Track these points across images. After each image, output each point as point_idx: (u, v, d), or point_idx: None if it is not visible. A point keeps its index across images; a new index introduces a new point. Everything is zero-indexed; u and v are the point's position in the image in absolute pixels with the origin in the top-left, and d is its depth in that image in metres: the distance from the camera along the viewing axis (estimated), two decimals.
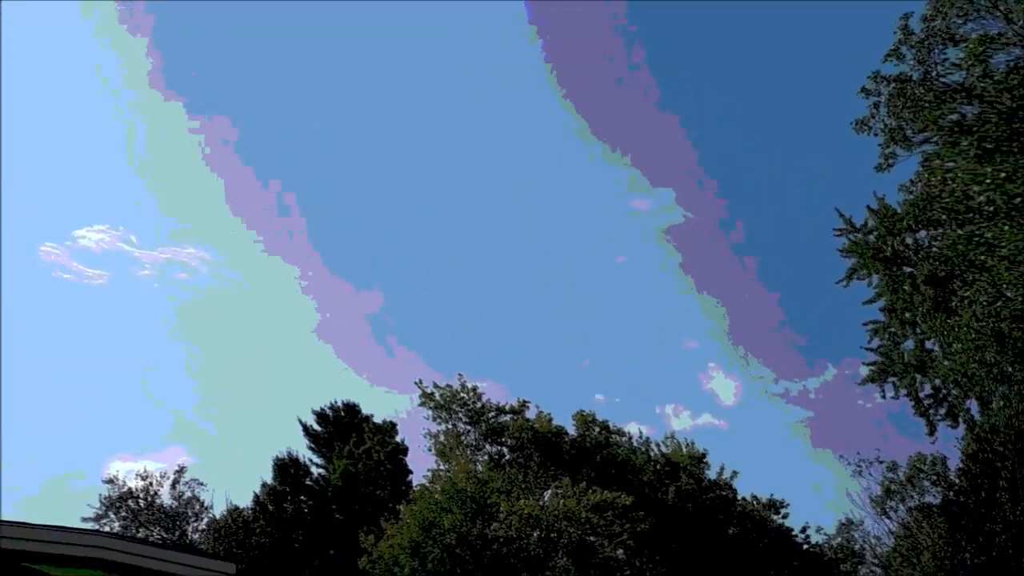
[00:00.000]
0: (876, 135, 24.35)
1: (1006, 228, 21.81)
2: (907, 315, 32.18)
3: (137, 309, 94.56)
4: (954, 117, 22.06)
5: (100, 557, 13.48)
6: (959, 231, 23.24)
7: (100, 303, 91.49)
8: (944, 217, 23.28)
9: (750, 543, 44.65)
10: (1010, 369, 26.27)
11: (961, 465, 30.68)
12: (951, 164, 22.35)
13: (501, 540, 39.47)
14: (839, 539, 46.49)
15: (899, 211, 30.73)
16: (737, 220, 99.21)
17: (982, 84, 21.24)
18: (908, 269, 31.78)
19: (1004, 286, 23.25)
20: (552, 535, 38.87)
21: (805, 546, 48.70)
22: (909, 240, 31.20)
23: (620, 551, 43.62)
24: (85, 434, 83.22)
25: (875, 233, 32.97)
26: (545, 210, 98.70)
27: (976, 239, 23.38)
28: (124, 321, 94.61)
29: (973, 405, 32.03)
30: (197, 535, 52.68)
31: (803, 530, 49.36)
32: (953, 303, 26.90)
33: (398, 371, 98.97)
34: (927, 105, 21.97)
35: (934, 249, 29.08)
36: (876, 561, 36.70)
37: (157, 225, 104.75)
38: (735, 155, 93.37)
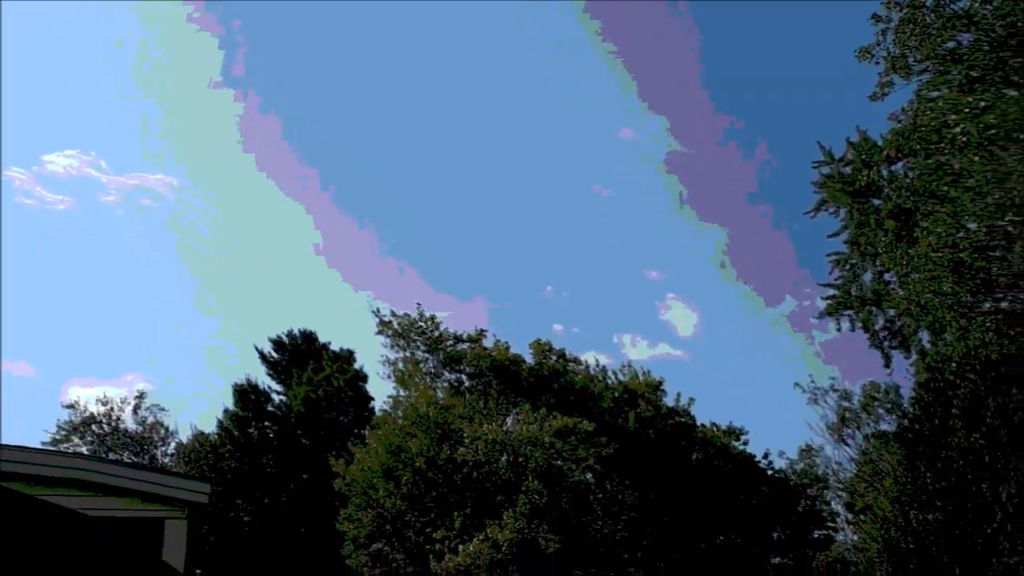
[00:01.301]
0: (877, 63, 23.90)
1: (976, 159, 21.71)
2: (869, 248, 32.33)
3: (99, 235, 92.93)
4: (950, 45, 21.70)
5: (76, 477, 13.23)
6: (929, 161, 23.11)
7: (61, 229, 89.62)
8: (919, 147, 23.06)
9: (716, 469, 45.12)
10: (968, 299, 26.36)
11: (913, 394, 30.88)
12: (936, 94, 22.10)
13: (471, 464, 40.03)
14: (801, 464, 47.26)
15: (880, 144, 30.62)
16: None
17: (983, 10, 20.85)
18: (877, 202, 31.82)
19: (967, 217, 23.23)
20: (520, 459, 39.14)
21: (769, 471, 49.53)
22: (885, 172, 31.12)
23: (589, 475, 44.23)
24: (43, 358, 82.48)
25: (852, 165, 32.93)
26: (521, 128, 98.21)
27: (944, 169, 23.30)
28: (84, 247, 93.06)
29: (924, 336, 32.68)
30: (167, 459, 52.45)
31: (765, 456, 50.20)
32: (916, 234, 26.93)
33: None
34: (934, 32, 21.55)
35: (907, 181, 28.99)
36: (840, 486, 37.28)
37: (130, 150, 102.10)
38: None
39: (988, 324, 26.34)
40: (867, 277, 34.22)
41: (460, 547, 36.53)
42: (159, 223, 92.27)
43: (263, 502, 49.05)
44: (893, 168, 30.81)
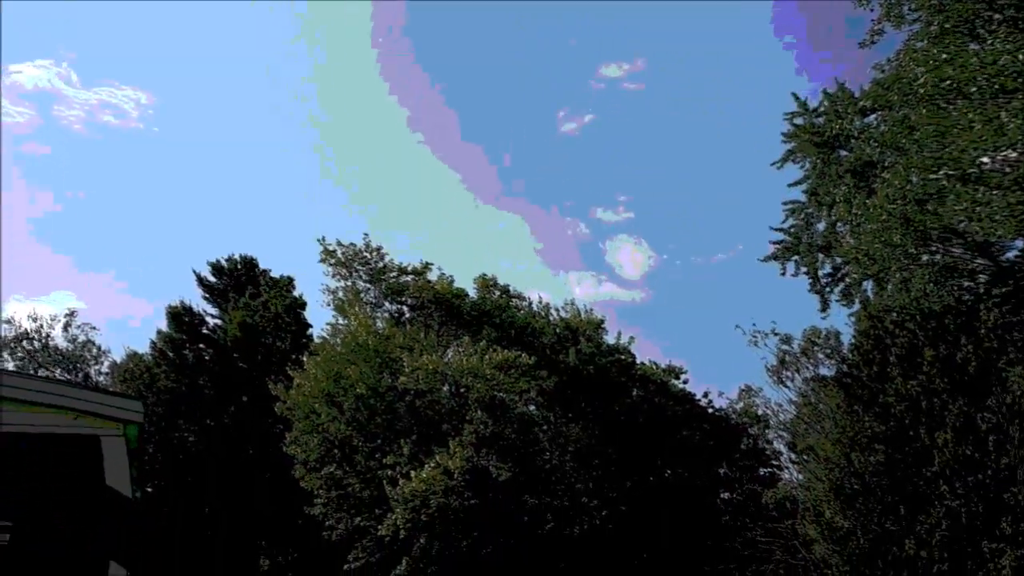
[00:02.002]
0: (873, 10, 23.51)
1: (923, 111, 21.59)
2: (826, 198, 32.49)
3: (56, 150, 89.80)
4: None
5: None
6: (897, 113, 23.01)
7: (17, 143, 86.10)
8: (895, 99, 22.85)
9: (657, 405, 45.23)
10: (913, 251, 26.51)
11: (853, 341, 31.02)
12: (920, 44, 21.83)
13: (412, 393, 39.79)
14: (741, 404, 47.63)
15: (857, 96, 30.52)
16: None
17: None
18: (844, 153, 31.89)
19: (912, 170, 23.22)
20: (462, 390, 39.00)
21: (710, 410, 49.92)
22: (857, 124, 31.06)
23: (532, 407, 44.22)
24: None
25: (824, 116, 32.93)
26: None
27: (906, 122, 23.16)
28: (37, 162, 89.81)
29: (868, 286, 33.02)
30: (101, 378, 51.35)
31: (705, 395, 50.50)
32: (874, 186, 26.96)
33: None
34: None
35: (877, 132, 28.96)
36: (781, 427, 37.63)
37: (101, 63, 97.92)
38: None
39: (928, 276, 26.61)
40: (820, 226, 34.55)
41: (413, 473, 36.32)
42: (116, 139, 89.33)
43: (204, 423, 48.46)
44: (866, 120, 30.77)
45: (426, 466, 36.13)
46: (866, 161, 29.73)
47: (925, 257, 27.35)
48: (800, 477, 36.83)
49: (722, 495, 44.21)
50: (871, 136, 29.49)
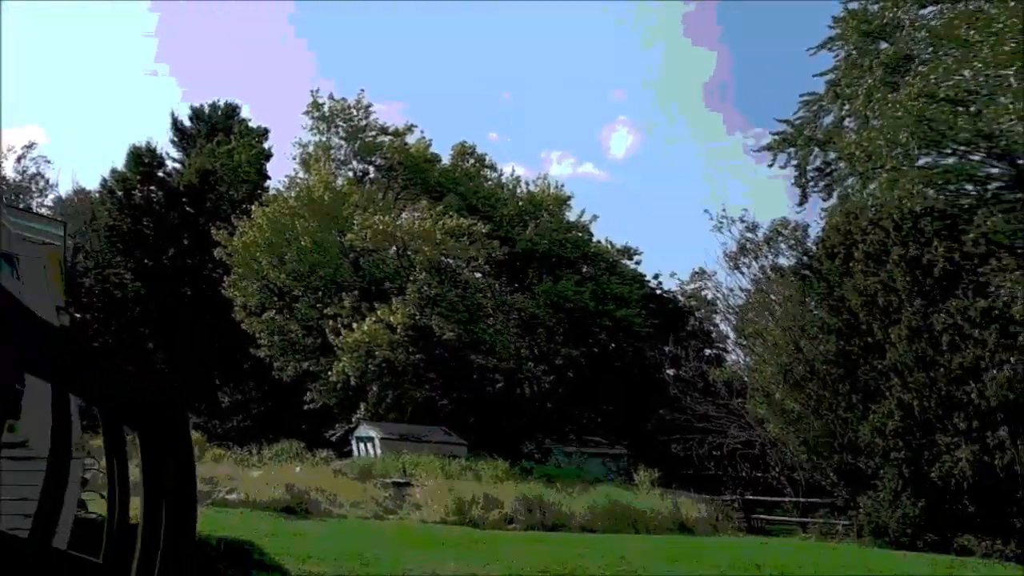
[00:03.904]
0: None
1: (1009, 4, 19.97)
2: (847, 91, 30.89)
3: None
4: None
5: None
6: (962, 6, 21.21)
7: None
8: None
9: (605, 283, 44.85)
10: (915, 151, 25.38)
11: (822, 234, 30.07)
12: None
13: (358, 250, 38.88)
14: (692, 286, 47.16)
15: None
16: None
17: None
18: (884, 45, 29.90)
19: (966, 64, 21.76)
20: (409, 252, 38.30)
21: (658, 292, 49.51)
22: (913, 12, 28.80)
23: (478, 275, 43.64)
24: None
25: (881, 3, 30.66)
26: None
27: (976, 15, 21.42)
28: None
29: (852, 183, 31.90)
30: (43, 211, 49.04)
31: (656, 276, 50.09)
32: (902, 81, 25.45)
33: None
34: None
35: (930, 23, 26.93)
36: (730, 311, 36.91)
37: None
38: None
39: (919, 178, 25.53)
40: (827, 120, 33.19)
41: (355, 325, 36.23)
42: None
43: (143, 263, 46.94)
44: (921, 12, 28.61)
45: (368, 319, 35.58)
46: (904, 55, 27.94)
47: (923, 160, 26.25)
48: (747, 360, 36.42)
49: (668, 371, 44.14)
50: (923, 26, 27.49)
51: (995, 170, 24.46)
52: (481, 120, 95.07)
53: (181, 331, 44.23)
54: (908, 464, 23.47)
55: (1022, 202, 23.91)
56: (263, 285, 40.06)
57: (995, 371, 21.50)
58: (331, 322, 37.02)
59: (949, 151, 24.16)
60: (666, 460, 35.46)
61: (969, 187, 25.21)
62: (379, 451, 32.74)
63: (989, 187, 25.07)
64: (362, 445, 34.75)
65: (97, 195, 48.58)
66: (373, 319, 35.44)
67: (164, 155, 51.89)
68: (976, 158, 24.12)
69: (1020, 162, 23.74)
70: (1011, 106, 20.34)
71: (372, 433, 34.39)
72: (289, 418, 41.10)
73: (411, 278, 37.00)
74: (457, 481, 25.51)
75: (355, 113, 43.96)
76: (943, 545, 21.92)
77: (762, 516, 29.23)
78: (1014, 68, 20.13)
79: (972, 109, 22.79)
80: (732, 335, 39.19)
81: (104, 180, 48.68)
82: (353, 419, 37.48)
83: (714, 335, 47.26)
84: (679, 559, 17.49)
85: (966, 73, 21.27)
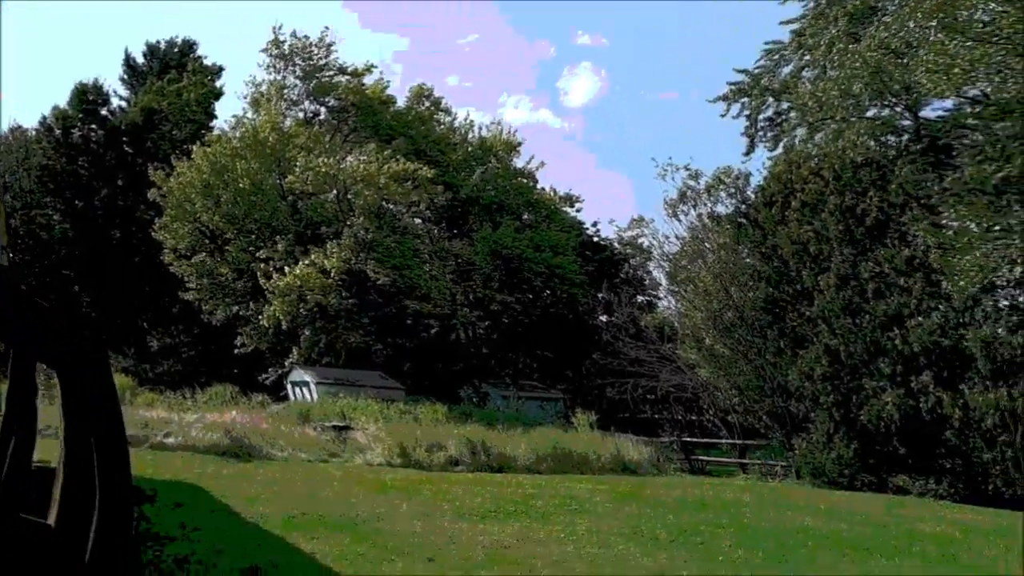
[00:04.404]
0: None
1: None
2: (811, 41, 30.88)
3: None
4: None
5: None
6: None
7: None
8: None
9: (543, 231, 44.61)
10: (865, 103, 25.49)
11: (762, 183, 30.19)
12: None
13: (297, 193, 37.96)
14: (630, 233, 47.26)
15: None
16: None
17: None
18: None
19: (912, 14, 21.64)
20: (349, 196, 37.51)
21: (596, 239, 49.58)
22: None
23: (418, 220, 43.07)
24: None
25: None
26: None
27: None
28: None
29: (800, 133, 32.11)
30: None
31: (595, 224, 50.17)
32: (862, 33, 25.46)
33: None
34: None
35: None
36: (664, 258, 36.96)
37: None
38: None
39: (864, 129, 25.70)
40: (786, 70, 33.20)
41: (287, 269, 35.44)
42: None
43: (75, 204, 45.11)
44: None
45: (301, 263, 34.88)
46: (870, 6, 27.92)
47: (871, 111, 26.44)
48: (678, 306, 36.72)
49: (601, 318, 44.33)
50: None
51: (907, 122, 24.88)
52: (445, 63, 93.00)
53: (110, 274, 42.86)
54: (837, 408, 23.94)
55: (921, 153, 24.36)
56: (195, 228, 38.87)
57: (920, 318, 21.86)
58: (263, 266, 36.17)
59: (888, 103, 24.41)
60: (602, 404, 35.72)
61: (892, 138, 25.61)
62: (315, 396, 32.23)
63: (902, 139, 25.51)
64: (297, 390, 34.18)
65: (33, 132, 46.14)
66: (307, 263, 34.72)
67: (111, 93, 49.78)
68: (899, 110, 24.48)
69: (921, 115, 24.22)
70: (925, 58, 20.35)
71: (307, 378, 33.82)
72: (221, 362, 40.29)
73: (349, 222, 36.22)
74: (397, 425, 25.18)
75: (315, 52, 42.68)
76: (880, 486, 22.53)
77: (702, 458, 29.67)
78: (936, 20, 20.14)
79: (904, 61, 22.93)
80: (665, 282, 39.53)
81: (43, 117, 46.36)
82: (286, 363, 36.79)
83: (647, 282, 47.60)
84: (629, 497, 17.52)
85: (910, 24, 21.29)
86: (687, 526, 13.45)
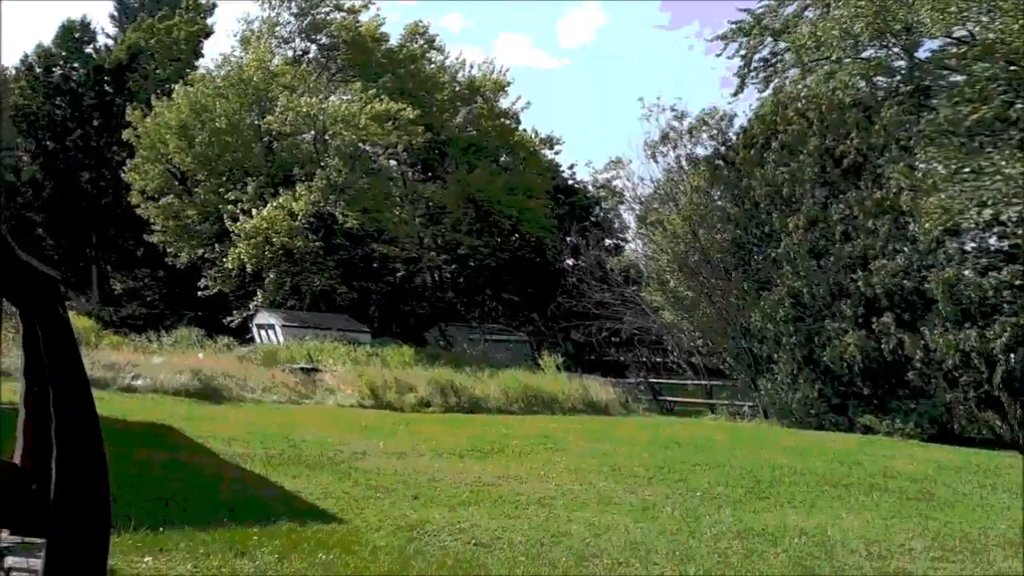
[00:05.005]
0: None
1: None
2: None
3: None
4: None
5: None
6: None
7: None
8: None
9: (518, 174, 43.93)
10: (863, 43, 25.00)
11: (746, 124, 29.66)
12: None
13: (275, 134, 37.11)
14: (605, 176, 46.70)
15: None
16: None
17: None
18: None
19: None
20: (326, 137, 36.73)
21: (570, 182, 49.13)
22: None
23: (393, 162, 42.35)
24: None
25: None
26: None
27: None
28: None
29: (792, 75, 31.62)
30: None
31: (571, 167, 49.68)
32: None
33: None
34: None
35: None
36: (637, 200, 36.70)
37: None
38: None
39: (857, 71, 25.26)
40: (789, 9, 32.56)
41: (255, 211, 34.74)
42: None
43: (46, 147, 43.63)
44: None
45: (269, 205, 34.25)
46: None
47: (868, 52, 26.01)
48: (645, 249, 36.65)
49: (568, 261, 44.10)
50: None
51: (902, 63, 24.57)
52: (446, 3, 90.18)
53: (77, 216, 41.79)
54: (800, 348, 24.06)
55: (910, 94, 24.10)
56: (165, 169, 37.89)
57: (884, 260, 21.89)
58: (231, 208, 35.34)
59: (887, 44, 24.03)
60: (567, 346, 35.76)
61: (884, 80, 25.27)
62: (281, 338, 31.86)
63: (894, 80, 25.21)
64: (263, 332, 33.77)
65: (12, 71, 44.32)
66: (275, 205, 34.08)
67: (99, 31, 48.08)
68: (896, 50, 24.14)
69: (916, 56, 23.88)
70: None
71: (273, 320, 33.41)
72: (186, 305, 39.64)
73: (322, 163, 35.52)
74: (365, 367, 25.00)
75: None
76: (847, 425, 22.79)
77: (669, 398, 29.80)
78: None
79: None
80: (634, 225, 39.33)
81: (24, 56, 44.56)
82: (251, 306, 36.29)
83: (616, 225, 47.41)
84: (601, 436, 17.56)
85: None
86: (663, 464, 13.46)
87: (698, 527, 8.57)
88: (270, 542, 6.71)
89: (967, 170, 17.68)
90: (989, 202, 17.56)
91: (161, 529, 6.77)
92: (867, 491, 11.27)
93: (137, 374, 20.79)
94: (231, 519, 7.31)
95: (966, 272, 19.10)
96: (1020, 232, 17.89)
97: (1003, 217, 18.40)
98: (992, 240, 19.03)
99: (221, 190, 36.85)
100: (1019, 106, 17.41)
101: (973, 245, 19.26)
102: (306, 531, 7.26)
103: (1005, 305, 18.68)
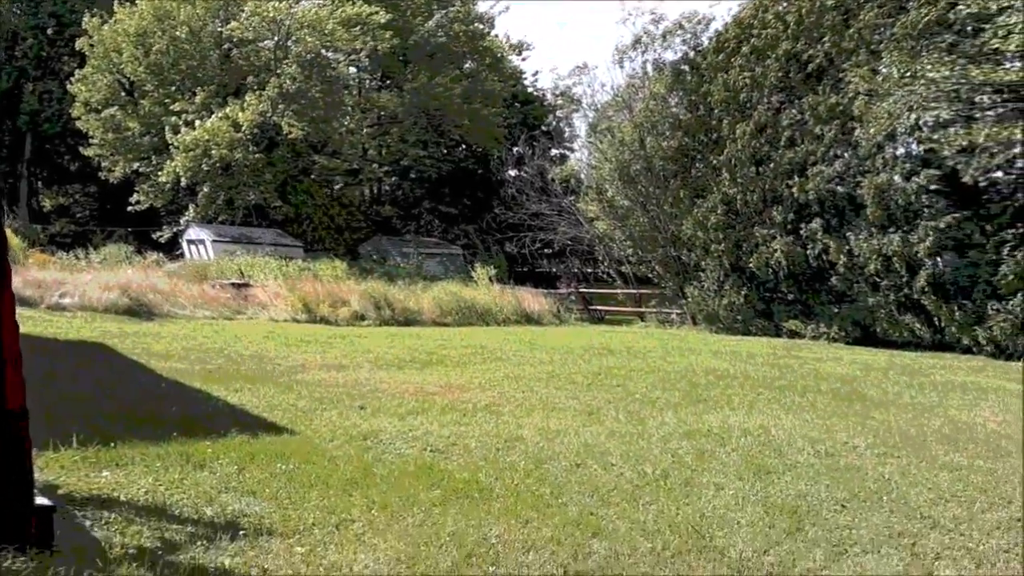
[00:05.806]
0: None
1: None
2: None
3: None
4: None
5: None
6: None
7: None
8: None
9: (480, 81, 42.50)
10: None
11: (721, 29, 28.48)
12: None
13: (235, 41, 35.42)
14: (567, 82, 45.68)
15: None
16: None
17: None
18: None
19: None
20: (288, 43, 35.13)
21: (531, 88, 48.00)
22: None
23: (353, 69, 40.82)
24: None
25: None
26: None
27: None
28: None
29: None
30: None
31: (535, 74, 48.60)
32: None
33: None
34: None
35: None
36: (592, 107, 35.90)
37: None
38: None
39: None
40: None
41: (198, 123, 33.39)
42: None
43: None
44: None
45: (213, 116, 33.03)
46: None
47: None
48: (590, 158, 36.22)
49: (510, 172, 43.62)
50: None
51: None
52: None
53: (14, 130, 39.78)
54: (728, 255, 24.24)
55: None
56: (114, 79, 36.30)
57: (822, 167, 21.61)
58: (174, 120, 34.11)
59: None
60: (501, 259, 35.62)
61: None
62: (211, 254, 31.11)
63: None
64: (193, 248, 32.91)
65: None
66: (220, 116, 32.87)
67: None
68: None
69: None
70: None
71: (203, 235, 32.55)
72: (116, 222, 38.37)
73: (279, 71, 34.04)
74: (297, 282, 24.51)
75: None
76: (774, 330, 23.22)
77: (600, 307, 30.02)
78: None
79: None
80: (584, 134, 38.59)
81: None
82: (182, 222, 35.26)
83: (567, 134, 46.74)
84: (537, 345, 17.59)
85: None
86: (600, 370, 13.51)
87: (645, 429, 8.59)
88: (226, 454, 6.52)
89: (909, 74, 17.67)
90: (914, 107, 17.66)
91: (113, 445, 6.50)
92: (801, 393, 11.45)
93: (65, 292, 20.04)
94: (181, 434, 7.07)
95: (896, 178, 19.19)
96: (935, 137, 17.87)
97: (920, 121, 18.46)
98: (913, 145, 19.07)
99: (167, 101, 35.32)
100: (960, 8, 17.33)
101: (902, 151, 19.29)
102: (260, 443, 7.06)
103: (925, 210, 18.89)
